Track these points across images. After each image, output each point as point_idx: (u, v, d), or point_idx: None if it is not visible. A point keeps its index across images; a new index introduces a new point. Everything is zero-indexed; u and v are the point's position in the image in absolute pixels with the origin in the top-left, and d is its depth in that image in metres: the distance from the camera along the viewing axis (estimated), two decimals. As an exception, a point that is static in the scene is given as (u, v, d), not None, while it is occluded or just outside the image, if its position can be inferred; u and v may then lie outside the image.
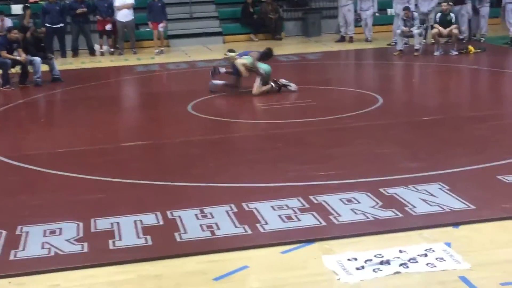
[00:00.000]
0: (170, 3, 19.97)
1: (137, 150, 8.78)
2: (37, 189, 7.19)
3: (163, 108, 11.57)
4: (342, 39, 18.86)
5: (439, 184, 6.58)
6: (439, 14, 15.73)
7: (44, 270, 5.13)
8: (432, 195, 6.31)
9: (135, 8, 18.53)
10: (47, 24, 17.55)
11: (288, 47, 18.52)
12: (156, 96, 12.86)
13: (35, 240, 5.63)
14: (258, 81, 11.53)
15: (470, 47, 15.55)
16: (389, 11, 19.51)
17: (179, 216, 6.03)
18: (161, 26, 18.41)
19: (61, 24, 17.90)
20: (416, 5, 17.09)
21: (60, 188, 7.16)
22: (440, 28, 15.43)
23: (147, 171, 7.66)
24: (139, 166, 7.98)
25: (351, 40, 18.68)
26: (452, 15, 15.58)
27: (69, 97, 12.92)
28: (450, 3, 15.85)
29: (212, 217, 6.00)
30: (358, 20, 18.62)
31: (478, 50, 15.54)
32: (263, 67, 11.65)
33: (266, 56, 11.96)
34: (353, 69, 15.78)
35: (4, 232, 5.82)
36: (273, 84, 11.64)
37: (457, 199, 6.18)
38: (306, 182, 6.86)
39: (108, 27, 18.32)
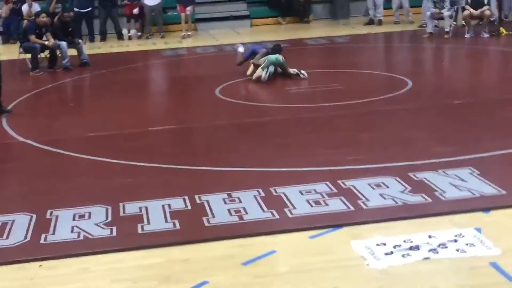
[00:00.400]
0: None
1: (165, 134, 8.81)
2: (66, 173, 7.24)
3: (191, 92, 11.57)
4: (371, 22, 18.68)
5: (469, 168, 6.50)
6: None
7: (73, 253, 5.17)
8: (462, 179, 6.23)
9: (163, -8, 18.54)
10: (75, 9, 17.64)
11: (316, 31, 18.39)
12: (183, 80, 12.87)
13: (65, 224, 5.68)
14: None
15: (502, 29, 15.29)
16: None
17: (207, 201, 6.03)
18: (188, 10, 18.40)
19: (89, 8, 17.98)
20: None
21: (89, 172, 7.21)
22: (471, 9, 15.18)
23: (175, 155, 7.68)
24: (167, 150, 8.00)
25: (379, 22, 18.49)
26: (484, -5, 15.32)
27: (97, 82, 12.99)
28: None
29: (240, 201, 5.99)
30: (389, 1, 18.38)
31: (510, 32, 15.27)
32: (269, 57, 11.56)
33: (275, 51, 11.86)
34: (382, 52, 15.63)
35: (34, 216, 5.87)
36: (291, 71, 11.52)
37: (487, 184, 6.10)
38: (334, 167, 6.82)
39: (136, 11, 18.36)
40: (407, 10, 18.26)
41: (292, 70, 11.52)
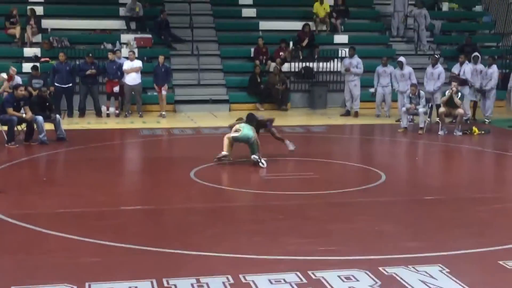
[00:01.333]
0: (179, 69, 20.27)
1: (137, 214, 8.75)
2: (34, 249, 7.13)
3: (166, 173, 11.57)
4: (347, 113, 19.02)
5: (439, 266, 6.51)
6: (447, 92, 15.81)
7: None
8: (431, 277, 6.24)
9: (144, 72, 18.78)
10: (56, 84, 17.80)
11: (293, 119, 18.64)
12: (159, 160, 12.88)
13: (28, 302, 5.56)
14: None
15: (475, 129, 15.64)
16: (371, 90, 19.55)
17: (175, 285, 5.95)
18: (163, 89, 18.64)
19: (70, 84, 18.13)
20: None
21: (57, 249, 7.11)
22: (445, 108, 15.53)
23: (146, 236, 7.61)
24: (138, 231, 7.93)
25: (356, 114, 18.84)
26: (460, 94, 15.70)
27: (72, 157, 12.95)
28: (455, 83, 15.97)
29: (208, 287, 5.92)
30: (373, 95, 18.76)
31: (482, 132, 15.62)
32: (243, 133, 11.60)
33: (249, 121, 11.94)
34: (357, 144, 15.83)
35: (-3, 292, 5.75)
36: (253, 157, 11.48)
37: (457, 282, 6.10)
38: (305, 257, 6.80)
39: (116, 89, 18.53)
40: (389, 104, 18.62)
41: (253, 157, 11.48)
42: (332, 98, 20.79)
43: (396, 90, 17.86)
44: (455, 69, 17.95)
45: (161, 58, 18.92)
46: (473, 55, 18.16)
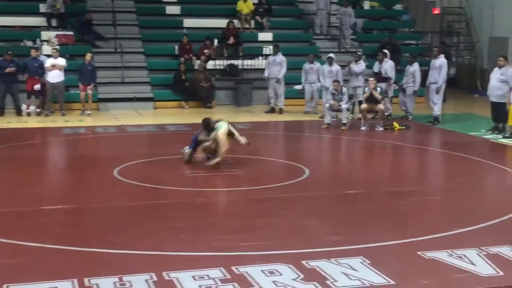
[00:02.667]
0: (102, 66, 19.92)
1: (58, 214, 8.58)
2: (-51, 252, 6.90)
3: (89, 172, 11.38)
4: (272, 110, 19.14)
5: (360, 258, 6.64)
6: (367, 89, 16.15)
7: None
8: (353, 269, 6.35)
9: (66, 70, 18.40)
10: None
11: (218, 116, 18.46)
12: (82, 159, 12.67)
13: None
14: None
15: (395, 124, 15.99)
16: (295, 87, 19.77)
17: (97, 284, 5.87)
18: (89, 89, 18.33)
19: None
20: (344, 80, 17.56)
21: (-26, 251, 6.90)
22: (366, 104, 15.85)
23: (67, 236, 7.47)
24: (58, 230, 7.78)
25: (281, 111, 18.98)
26: (378, 89, 16.04)
27: (-9, 157, 12.59)
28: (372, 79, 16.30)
29: (131, 285, 5.87)
30: (301, 92, 18.93)
31: (403, 127, 15.99)
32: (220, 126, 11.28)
33: (208, 126, 11.37)
34: (282, 140, 15.95)
35: None
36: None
37: (377, 273, 6.23)
38: (228, 252, 6.82)
39: (37, 87, 18.09)
40: (317, 101, 18.83)
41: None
42: (257, 95, 20.87)
43: (322, 85, 18.06)
44: (375, 67, 18.31)
45: (88, 56, 18.49)
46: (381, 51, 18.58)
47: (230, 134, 11.27)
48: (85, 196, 9.52)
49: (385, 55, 18.24)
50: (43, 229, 7.78)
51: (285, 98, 19.27)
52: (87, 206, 8.98)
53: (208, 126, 11.28)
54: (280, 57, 19.17)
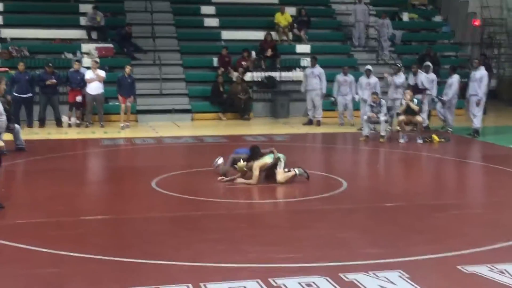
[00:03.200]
0: (141, 78, 20.13)
1: (97, 224, 8.65)
2: (-10, 260, 7.00)
3: (127, 182, 11.47)
4: (309, 122, 19.10)
5: (399, 271, 6.55)
6: (404, 102, 16.03)
7: None
8: (392, 282, 6.27)
9: (105, 81, 18.63)
10: (15, 94, 17.57)
11: (256, 128, 18.67)
12: (120, 170, 12.78)
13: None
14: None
15: (435, 136, 15.83)
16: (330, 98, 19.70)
17: (135, 294, 5.89)
18: (129, 101, 18.50)
19: (30, 94, 17.91)
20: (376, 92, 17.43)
21: (14, 260, 6.98)
22: (404, 116, 15.72)
23: (106, 246, 7.52)
24: (97, 241, 7.83)
25: (318, 123, 18.93)
26: (415, 101, 15.90)
27: (31, 168, 12.78)
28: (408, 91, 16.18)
29: (169, 296, 5.88)
30: (334, 104, 18.88)
31: (443, 140, 15.82)
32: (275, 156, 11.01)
33: (256, 154, 11.06)
34: (319, 152, 15.89)
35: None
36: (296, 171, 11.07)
37: (416, 287, 6.14)
38: (266, 264, 6.79)
39: (79, 98, 18.36)
40: (351, 112, 18.76)
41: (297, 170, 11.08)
42: (294, 107, 20.88)
43: (359, 98, 17.98)
44: (410, 79, 18.18)
45: (127, 69, 18.69)
46: (424, 64, 18.44)
47: (272, 167, 10.91)
48: (124, 207, 9.58)
49: (419, 67, 18.11)
50: (82, 239, 7.84)
51: (323, 110, 19.22)
52: (126, 217, 9.03)
53: (255, 154, 10.98)
54: (318, 70, 19.12)
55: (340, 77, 18.69)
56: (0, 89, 9.25)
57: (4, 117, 9.16)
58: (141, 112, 19.65)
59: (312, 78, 19.10)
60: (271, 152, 10.99)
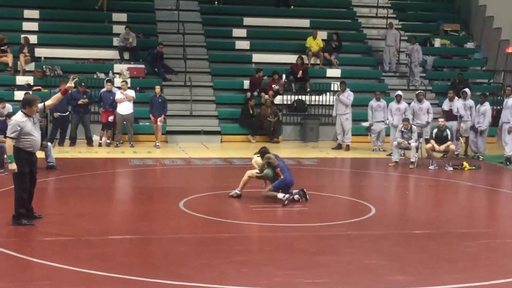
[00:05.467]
0: (171, 99, 20.27)
1: (124, 243, 8.69)
2: (18, 277, 7.05)
3: (155, 203, 11.52)
4: (338, 147, 19.04)
5: (426, 300, 6.47)
6: (435, 130, 15.93)
7: None
8: (419, 311, 6.19)
9: (135, 102, 18.79)
10: (58, 113, 17.78)
11: (284, 151, 18.61)
12: (148, 190, 12.84)
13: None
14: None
15: (465, 164, 15.68)
16: (363, 124, 19.65)
17: (160, 315, 5.88)
18: (159, 121, 18.64)
19: (67, 113, 18.15)
20: (412, 118, 17.35)
21: (41, 277, 7.03)
22: (435, 143, 15.61)
23: (132, 265, 7.55)
24: (124, 260, 7.86)
25: (347, 148, 18.86)
26: (448, 131, 15.78)
27: (61, 185, 12.90)
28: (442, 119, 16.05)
29: (193, 318, 5.86)
30: (369, 130, 18.74)
31: (473, 167, 15.65)
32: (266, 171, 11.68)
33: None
34: (348, 177, 15.81)
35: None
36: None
37: (444, 317, 6.06)
38: (292, 289, 6.75)
39: (111, 118, 18.53)
40: (383, 138, 18.64)
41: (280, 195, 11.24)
42: (324, 131, 20.85)
43: (390, 123, 17.89)
44: (445, 105, 18.05)
45: (157, 89, 18.88)
46: (462, 90, 18.30)
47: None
48: (151, 227, 9.60)
49: (455, 93, 18.00)
50: (109, 258, 7.87)
51: (353, 135, 19.16)
52: (153, 237, 9.06)
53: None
54: (347, 94, 19.05)
55: (373, 102, 18.60)
56: (32, 110, 9.34)
57: (34, 137, 9.26)
58: (170, 133, 19.76)
59: (341, 103, 19.04)
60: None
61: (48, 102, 9.80)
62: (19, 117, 9.28)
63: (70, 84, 9.97)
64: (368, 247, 8.71)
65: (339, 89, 19.72)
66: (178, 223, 9.93)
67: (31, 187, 9.50)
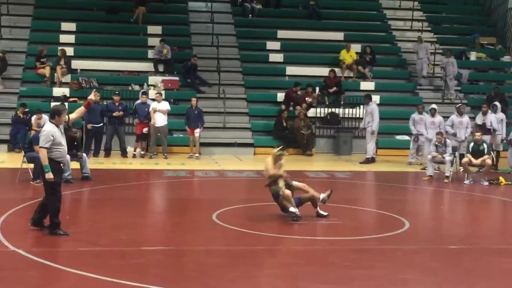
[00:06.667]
0: (205, 111, 20.33)
1: (158, 255, 8.72)
2: (53, 287, 7.11)
3: (188, 214, 11.56)
4: (366, 160, 18.85)
5: (462, 316, 6.37)
6: (471, 144, 15.75)
7: None
8: (454, 327, 6.10)
9: (170, 114, 18.92)
10: (92, 125, 17.98)
11: (317, 164, 18.61)
12: (182, 202, 12.88)
13: None
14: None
15: (501, 179, 15.46)
16: (397, 137, 19.45)
17: (193, 327, 5.88)
18: (196, 132, 18.73)
19: (101, 124, 18.33)
20: (446, 132, 17.18)
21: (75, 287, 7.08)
22: (471, 157, 15.43)
23: (166, 277, 7.57)
24: (158, 271, 7.88)
25: (371, 160, 18.61)
26: (484, 145, 15.59)
27: (96, 196, 13.02)
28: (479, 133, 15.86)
29: (226, 331, 5.85)
30: (415, 141, 18.52)
31: (509, 182, 15.43)
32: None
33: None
34: (381, 191, 15.68)
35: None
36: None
37: (480, 334, 5.96)
38: (325, 303, 6.71)
39: (146, 130, 18.67)
40: (422, 152, 18.36)
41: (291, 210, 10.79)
42: (357, 144, 20.73)
43: (425, 137, 17.75)
44: (478, 119, 17.88)
45: (193, 101, 18.99)
46: (492, 104, 18.13)
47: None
48: (184, 238, 9.63)
49: (495, 107, 17.82)
50: (143, 269, 7.91)
51: (386, 148, 19.02)
52: (186, 248, 9.08)
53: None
54: (371, 107, 18.87)
55: (415, 115, 18.40)
56: (60, 120, 9.45)
57: (63, 147, 9.37)
58: (204, 145, 19.83)
59: (366, 116, 18.94)
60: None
61: (72, 115, 9.91)
62: (50, 127, 9.40)
63: (92, 97, 10.05)
64: (402, 261, 8.63)
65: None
66: (211, 235, 9.95)
67: None
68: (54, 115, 9.49)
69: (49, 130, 9.33)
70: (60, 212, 9.46)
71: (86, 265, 7.87)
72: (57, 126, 9.41)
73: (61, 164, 9.45)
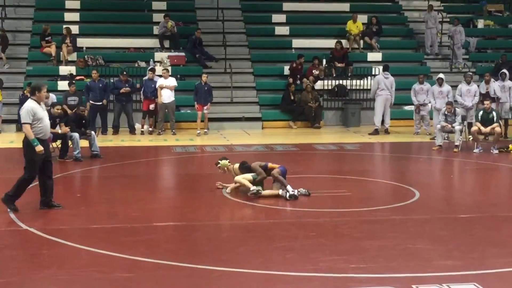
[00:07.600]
0: (212, 86, 20.27)
1: (169, 230, 8.77)
2: (67, 264, 7.16)
3: (198, 190, 11.56)
4: (376, 132, 18.80)
5: (474, 284, 6.39)
6: (481, 112, 15.68)
7: None
8: (466, 295, 6.13)
9: (177, 90, 18.89)
10: (91, 101, 18.00)
11: (326, 136, 18.59)
12: (192, 177, 12.91)
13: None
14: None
15: (511, 146, 15.40)
16: (405, 107, 19.37)
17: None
18: (205, 108, 18.69)
19: (101, 102, 18.27)
20: (455, 101, 17.11)
21: (89, 264, 7.13)
22: (480, 126, 15.36)
23: (177, 252, 7.61)
24: (169, 247, 7.93)
25: (387, 131, 18.66)
26: (494, 113, 15.51)
27: (106, 174, 13.06)
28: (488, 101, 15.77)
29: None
30: (417, 112, 18.47)
31: (519, 150, 15.39)
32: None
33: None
34: (391, 162, 15.67)
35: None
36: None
37: (492, 301, 5.98)
38: (337, 274, 6.74)
39: (152, 106, 18.67)
40: (427, 121, 18.39)
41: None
42: (365, 115, 20.67)
43: (433, 107, 17.69)
44: (481, 88, 17.79)
45: (204, 77, 18.85)
46: (500, 72, 18.03)
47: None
48: (195, 214, 9.66)
49: (492, 76, 17.74)
50: (155, 245, 7.95)
51: (395, 119, 18.97)
52: (197, 223, 9.11)
53: (243, 170, 11.02)
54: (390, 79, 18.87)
55: (416, 86, 18.36)
56: (41, 96, 9.48)
57: (45, 123, 9.40)
58: (211, 120, 19.82)
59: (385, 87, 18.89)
60: (259, 172, 10.77)
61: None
62: (30, 103, 9.42)
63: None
64: (413, 231, 8.63)
65: (380, 72, 19.47)
66: (222, 209, 9.98)
67: (47, 177, 9.60)
68: (34, 91, 9.54)
69: (30, 106, 9.38)
70: (25, 191, 9.48)
71: (99, 242, 7.92)
72: (38, 102, 9.43)
73: (43, 141, 9.45)
